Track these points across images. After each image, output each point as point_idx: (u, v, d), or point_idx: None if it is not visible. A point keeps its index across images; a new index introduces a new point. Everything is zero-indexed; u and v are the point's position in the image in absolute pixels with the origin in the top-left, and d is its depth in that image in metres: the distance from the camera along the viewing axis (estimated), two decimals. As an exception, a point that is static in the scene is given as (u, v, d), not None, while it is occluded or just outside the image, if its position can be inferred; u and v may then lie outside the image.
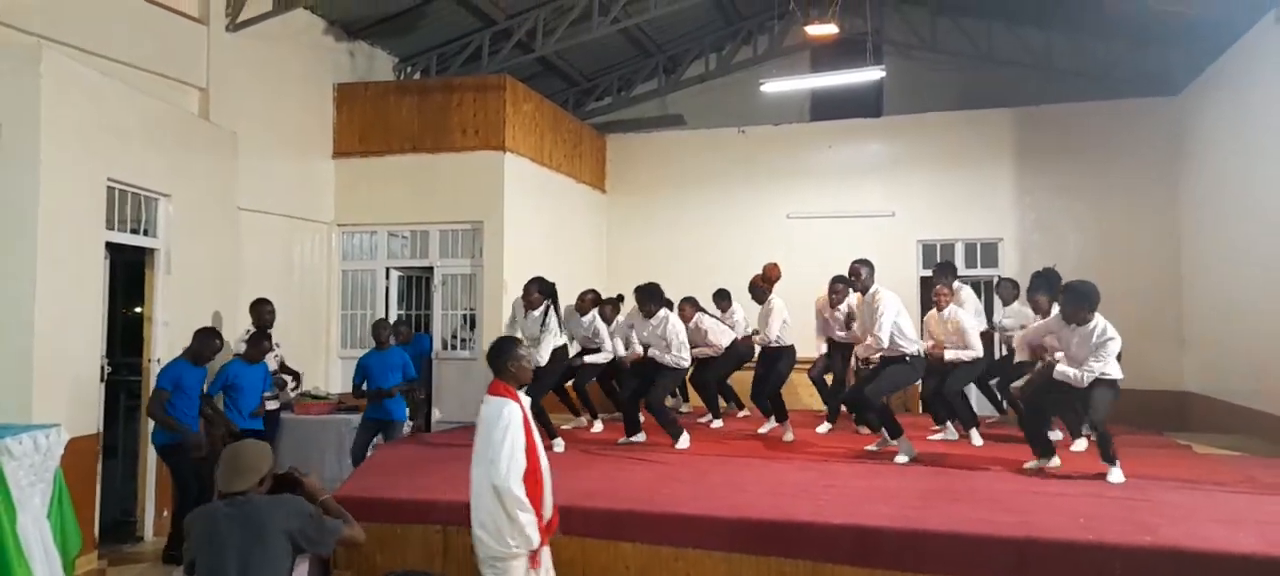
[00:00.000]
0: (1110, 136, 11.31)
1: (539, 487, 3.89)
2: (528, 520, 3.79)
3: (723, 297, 8.97)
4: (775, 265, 8.39)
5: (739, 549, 4.84)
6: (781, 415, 7.90)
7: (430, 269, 10.30)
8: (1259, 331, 8.47)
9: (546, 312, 7.24)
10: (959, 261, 11.34)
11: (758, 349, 8.23)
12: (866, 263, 6.88)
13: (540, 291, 7.27)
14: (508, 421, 3.82)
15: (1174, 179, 10.98)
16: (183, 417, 6.38)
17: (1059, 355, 5.98)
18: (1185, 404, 10.41)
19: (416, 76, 11.51)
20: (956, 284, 7.83)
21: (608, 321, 8.32)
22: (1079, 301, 5.82)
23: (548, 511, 3.99)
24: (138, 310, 7.79)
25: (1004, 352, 8.37)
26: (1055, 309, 6.57)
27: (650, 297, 7.55)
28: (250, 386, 7.01)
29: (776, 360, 7.94)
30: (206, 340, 6.55)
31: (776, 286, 8.17)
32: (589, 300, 8.09)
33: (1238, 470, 6.47)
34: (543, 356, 7.01)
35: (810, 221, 12.17)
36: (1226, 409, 9.26)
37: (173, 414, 6.33)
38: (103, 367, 6.70)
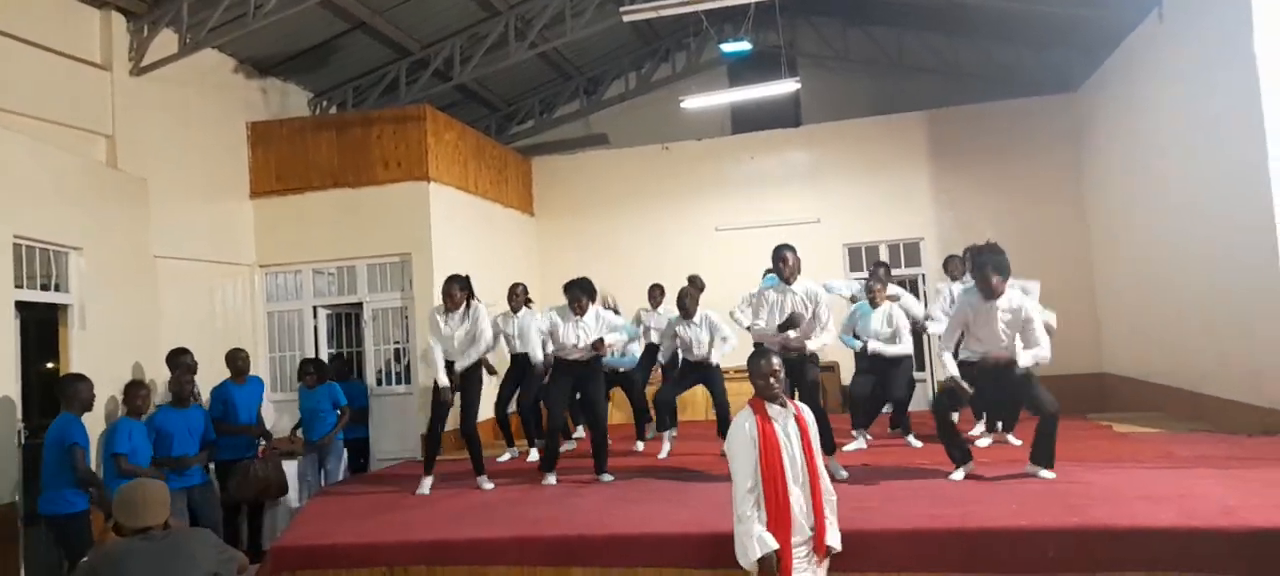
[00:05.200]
0: (1017, 133, 11.78)
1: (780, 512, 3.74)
2: (742, 530, 3.70)
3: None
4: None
5: (690, 564, 4.85)
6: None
7: (360, 305, 10.12)
8: (1166, 310, 8.91)
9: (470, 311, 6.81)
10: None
11: None
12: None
13: (462, 288, 6.76)
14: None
15: (1078, 170, 11.51)
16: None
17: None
18: (1103, 385, 10.87)
19: (333, 110, 11.33)
20: (894, 289, 7.93)
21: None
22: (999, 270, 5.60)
23: (798, 536, 3.79)
24: (52, 367, 7.44)
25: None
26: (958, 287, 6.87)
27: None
28: (180, 434, 6.57)
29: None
30: (72, 385, 5.94)
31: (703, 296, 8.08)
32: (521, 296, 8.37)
33: (1156, 447, 6.82)
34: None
35: (738, 232, 12.35)
36: (1142, 387, 9.70)
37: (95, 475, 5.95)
38: (19, 432, 6.39)
